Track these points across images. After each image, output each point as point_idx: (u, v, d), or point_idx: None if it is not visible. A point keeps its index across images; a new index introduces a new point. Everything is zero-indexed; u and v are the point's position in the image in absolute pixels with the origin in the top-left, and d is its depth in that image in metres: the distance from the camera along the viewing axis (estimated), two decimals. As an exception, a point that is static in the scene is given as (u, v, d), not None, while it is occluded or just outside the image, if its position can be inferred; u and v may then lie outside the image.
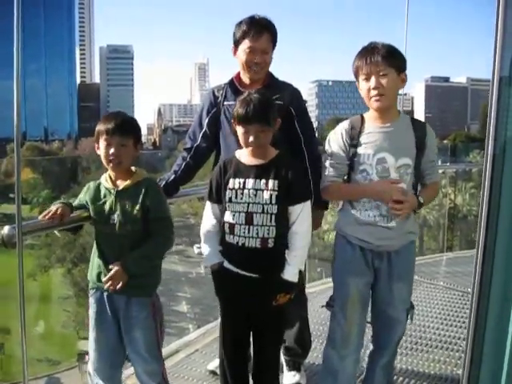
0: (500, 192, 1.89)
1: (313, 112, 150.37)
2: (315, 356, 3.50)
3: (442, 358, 3.69)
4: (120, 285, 2.36)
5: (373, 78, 2.40)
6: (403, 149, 2.46)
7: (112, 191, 2.48)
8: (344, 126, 2.59)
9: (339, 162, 2.56)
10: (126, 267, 2.37)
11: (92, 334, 2.56)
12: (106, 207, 2.47)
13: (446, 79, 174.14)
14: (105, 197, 2.50)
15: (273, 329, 2.51)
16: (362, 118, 2.57)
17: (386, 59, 2.40)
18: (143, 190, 2.45)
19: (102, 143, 2.44)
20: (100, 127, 2.45)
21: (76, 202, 2.58)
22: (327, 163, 2.59)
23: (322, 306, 2.73)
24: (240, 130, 2.41)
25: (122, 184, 2.50)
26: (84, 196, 2.58)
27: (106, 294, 2.50)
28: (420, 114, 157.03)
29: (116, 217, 2.44)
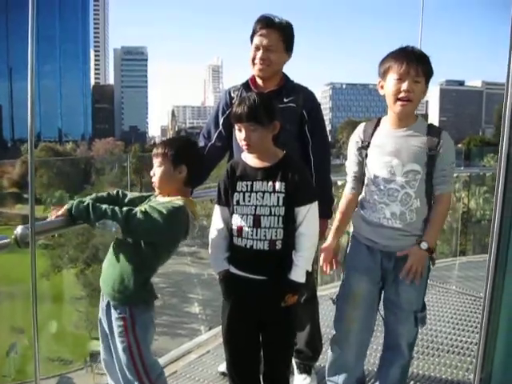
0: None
1: (327, 115, 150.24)
2: (326, 359, 3.49)
3: (453, 363, 3.68)
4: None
5: (407, 82, 2.38)
6: (412, 154, 2.45)
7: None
8: (359, 128, 2.66)
9: (352, 165, 2.65)
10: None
11: None
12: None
13: (461, 83, 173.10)
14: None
15: (283, 332, 2.51)
16: (378, 121, 2.60)
17: (423, 66, 2.40)
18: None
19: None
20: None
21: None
22: (347, 170, 2.69)
23: (330, 298, 2.77)
24: (236, 129, 2.44)
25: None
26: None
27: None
28: (434, 118, 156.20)
29: None
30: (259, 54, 2.92)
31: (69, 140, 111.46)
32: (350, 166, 2.68)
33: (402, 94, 2.40)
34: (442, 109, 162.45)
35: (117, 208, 2.32)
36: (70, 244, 27.03)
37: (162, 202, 2.46)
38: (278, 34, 2.91)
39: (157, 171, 2.49)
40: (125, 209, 2.32)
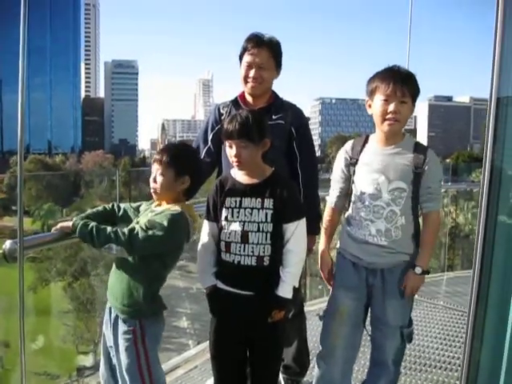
0: (497, 212, 1.91)
1: (316, 129, 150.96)
2: (313, 375, 3.49)
3: (440, 378, 3.69)
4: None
5: (393, 103, 2.42)
6: (398, 172, 2.49)
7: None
8: (346, 145, 2.70)
9: (337, 180, 2.70)
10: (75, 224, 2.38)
11: None
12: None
13: (449, 98, 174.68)
14: None
15: (270, 347, 2.52)
16: (366, 138, 2.64)
17: (408, 87, 2.43)
18: None
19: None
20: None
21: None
22: (331, 184, 2.74)
23: (317, 315, 2.79)
24: (226, 146, 2.45)
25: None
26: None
27: (109, 305, 2.56)
28: (423, 133, 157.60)
29: None
30: (252, 72, 2.95)
31: (58, 152, 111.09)
32: (336, 182, 2.72)
33: (389, 115, 2.44)
34: (431, 124, 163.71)
35: (119, 231, 2.31)
36: (58, 257, 26.80)
37: (159, 211, 2.45)
38: (268, 52, 2.95)
39: (159, 179, 2.45)
40: (126, 230, 2.32)
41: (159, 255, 2.44)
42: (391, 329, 2.58)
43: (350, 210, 2.66)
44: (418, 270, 2.50)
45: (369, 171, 2.53)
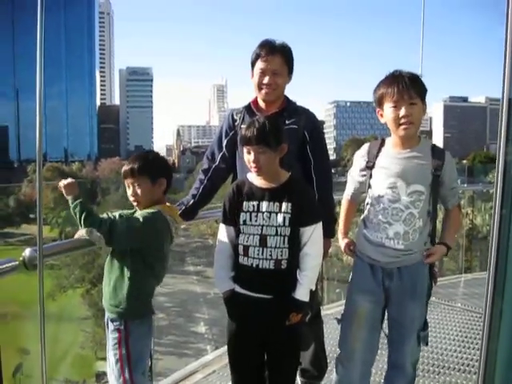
0: (511, 213, 1.90)
1: (331, 133, 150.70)
2: (331, 378, 3.49)
3: (459, 381, 3.68)
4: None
5: (403, 107, 2.44)
6: (416, 175, 2.50)
7: None
8: (362, 149, 2.72)
9: (355, 180, 2.75)
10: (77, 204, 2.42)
11: None
12: None
13: (465, 99, 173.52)
14: None
15: (288, 350, 2.53)
16: (382, 142, 2.66)
17: (415, 88, 2.45)
18: None
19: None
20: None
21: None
22: (348, 180, 2.81)
23: (335, 318, 2.80)
24: (244, 151, 2.48)
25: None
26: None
27: None
28: (439, 135, 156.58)
29: None
30: (266, 78, 2.98)
31: (75, 160, 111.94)
32: (353, 182, 2.78)
33: (402, 120, 2.46)
34: (447, 125, 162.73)
35: (104, 220, 2.42)
36: (76, 264, 27.03)
37: (139, 214, 2.54)
38: (281, 58, 2.99)
39: (138, 191, 2.57)
40: (108, 221, 2.43)
41: (139, 253, 2.51)
42: (408, 331, 2.58)
43: (366, 212, 2.67)
44: (448, 243, 2.60)
45: (386, 175, 2.55)
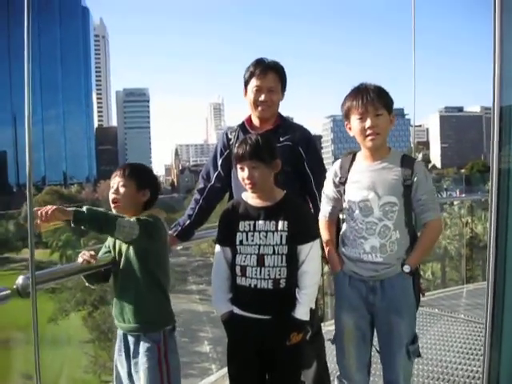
0: (507, 222, 1.90)
1: (329, 147, 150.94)
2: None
3: (464, 394, 3.63)
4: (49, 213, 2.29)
5: (368, 119, 2.46)
6: (387, 187, 2.49)
7: None
8: (335, 164, 2.71)
9: (330, 198, 2.70)
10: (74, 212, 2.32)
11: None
12: (117, 249, 2.61)
13: (460, 109, 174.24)
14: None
15: (289, 370, 2.50)
16: (353, 156, 2.66)
17: (380, 99, 2.47)
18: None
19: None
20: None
21: (102, 251, 2.71)
22: (322, 199, 2.76)
23: (328, 340, 2.77)
24: (238, 170, 2.48)
25: None
26: (107, 241, 2.71)
27: (121, 332, 2.59)
28: (436, 145, 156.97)
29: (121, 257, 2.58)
30: (262, 96, 3.00)
31: (74, 183, 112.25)
32: (329, 199, 2.72)
33: (368, 131, 2.47)
34: (443, 135, 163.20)
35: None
36: (78, 287, 26.90)
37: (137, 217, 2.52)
38: (275, 76, 3.03)
39: (121, 190, 2.57)
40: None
41: (144, 260, 2.50)
42: (397, 347, 2.53)
43: (343, 229, 2.66)
44: (407, 268, 2.48)
45: (358, 188, 2.54)
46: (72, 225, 2.31)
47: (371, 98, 2.45)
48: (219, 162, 3.18)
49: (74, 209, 2.33)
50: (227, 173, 3.13)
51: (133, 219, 2.43)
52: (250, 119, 3.14)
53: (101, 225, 2.39)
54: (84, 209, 2.33)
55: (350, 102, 2.52)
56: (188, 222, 3.22)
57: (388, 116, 2.50)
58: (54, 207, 2.29)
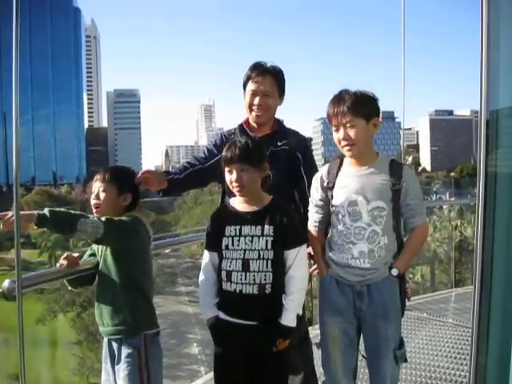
0: (494, 226, 1.91)
1: (319, 149, 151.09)
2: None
3: (453, 398, 3.63)
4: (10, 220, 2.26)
5: (341, 130, 2.45)
6: (376, 192, 2.48)
7: None
8: (322, 169, 2.69)
9: (318, 205, 2.67)
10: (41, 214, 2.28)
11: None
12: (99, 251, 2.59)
13: (450, 112, 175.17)
14: None
15: (276, 376, 2.47)
16: (341, 161, 2.63)
17: (353, 109, 2.42)
18: None
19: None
20: None
21: (87, 253, 2.68)
22: (310, 207, 2.72)
23: (315, 344, 2.75)
24: (226, 173, 2.46)
25: None
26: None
27: (106, 339, 2.55)
28: (426, 148, 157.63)
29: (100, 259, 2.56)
30: (257, 100, 2.99)
31: (64, 183, 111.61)
32: (316, 206, 2.69)
33: (342, 143, 2.47)
34: (433, 139, 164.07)
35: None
36: (66, 288, 26.71)
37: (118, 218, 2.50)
38: (272, 80, 3.01)
39: (102, 195, 2.55)
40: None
41: (123, 254, 2.47)
42: (384, 352, 2.52)
43: (330, 234, 2.63)
44: (395, 271, 2.48)
45: (347, 193, 2.52)
46: (35, 227, 2.26)
47: (345, 109, 2.42)
48: (208, 163, 3.10)
49: (36, 211, 2.28)
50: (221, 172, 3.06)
51: (103, 218, 2.37)
52: (248, 121, 3.12)
53: (62, 225, 2.34)
54: (46, 210, 2.28)
55: (328, 110, 2.51)
56: (176, 176, 3.08)
57: (366, 124, 2.46)
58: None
